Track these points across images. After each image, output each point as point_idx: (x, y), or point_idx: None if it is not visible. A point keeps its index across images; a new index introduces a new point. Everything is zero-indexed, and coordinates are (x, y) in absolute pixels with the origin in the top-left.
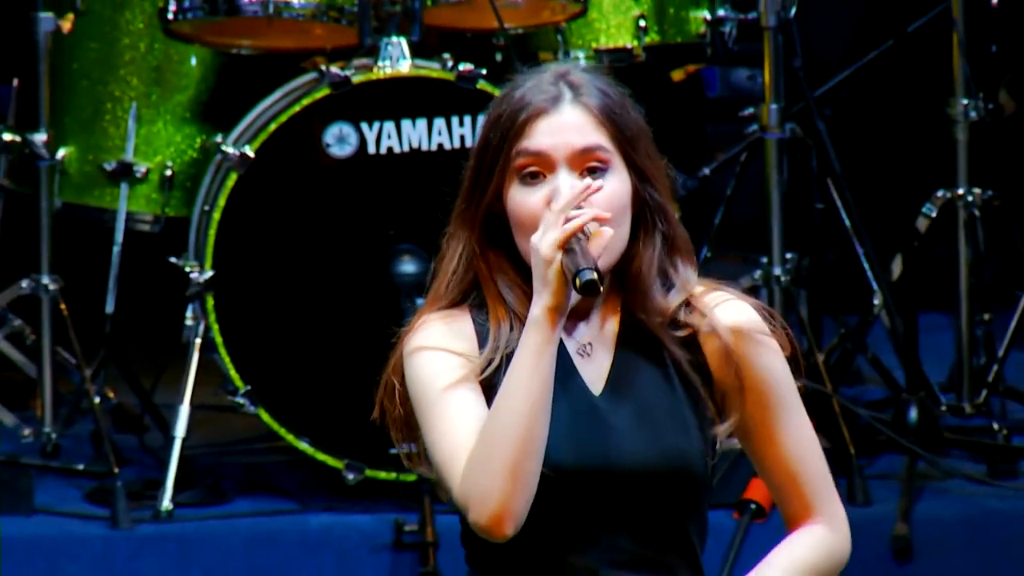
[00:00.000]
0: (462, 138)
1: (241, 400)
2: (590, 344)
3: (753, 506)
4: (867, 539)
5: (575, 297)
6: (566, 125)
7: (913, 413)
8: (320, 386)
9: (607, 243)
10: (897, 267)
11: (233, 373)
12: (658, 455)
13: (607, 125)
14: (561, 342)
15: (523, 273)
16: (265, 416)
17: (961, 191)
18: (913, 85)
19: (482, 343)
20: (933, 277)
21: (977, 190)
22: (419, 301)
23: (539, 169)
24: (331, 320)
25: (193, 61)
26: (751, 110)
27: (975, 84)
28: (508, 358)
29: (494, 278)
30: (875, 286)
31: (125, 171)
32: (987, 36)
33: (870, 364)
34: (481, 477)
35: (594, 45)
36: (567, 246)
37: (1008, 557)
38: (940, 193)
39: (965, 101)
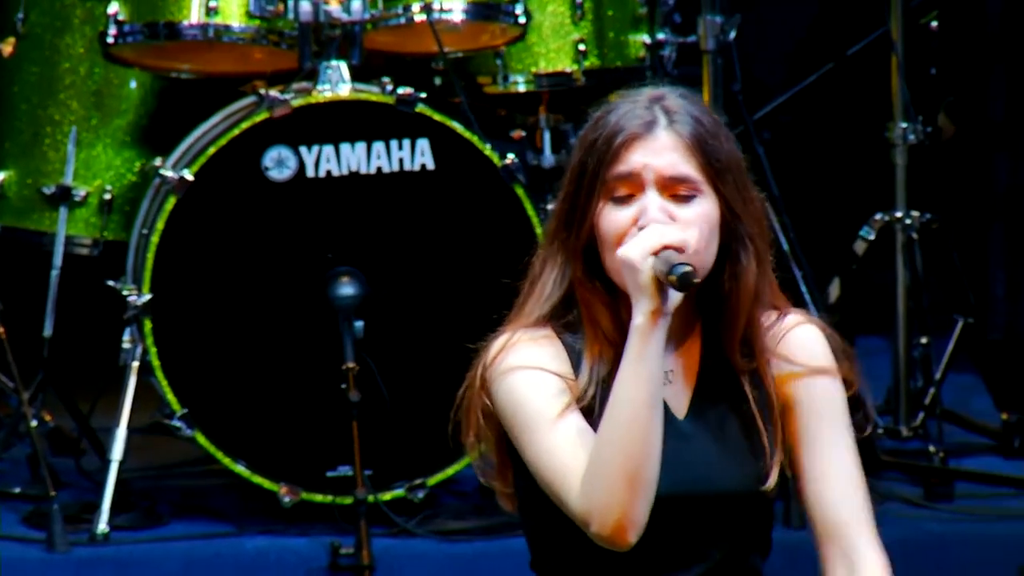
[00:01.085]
0: (401, 161)
1: (178, 423)
2: (671, 371)
3: None
4: (803, 563)
5: (672, 302)
6: (658, 150)
7: None
8: (257, 409)
9: (694, 247)
10: (835, 290)
11: (170, 396)
12: (741, 480)
13: (698, 154)
14: None
15: (614, 299)
16: (202, 439)
17: (899, 214)
18: (852, 108)
19: (575, 365)
20: (871, 300)
21: (916, 213)
22: (357, 324)
23: (630, 190)
24: (269, 343)
25: (133, 85)
26: None
27: (914, 107)
28: (602, 384)
29: (592, 303)
30: (813, 309)
31: (64, 195)
32: (926, 59)
33: None
34: (600, 489)
35: (533, 69)
36: (657, 252)
37: None
38: (878, 216)
39: (904, 124)
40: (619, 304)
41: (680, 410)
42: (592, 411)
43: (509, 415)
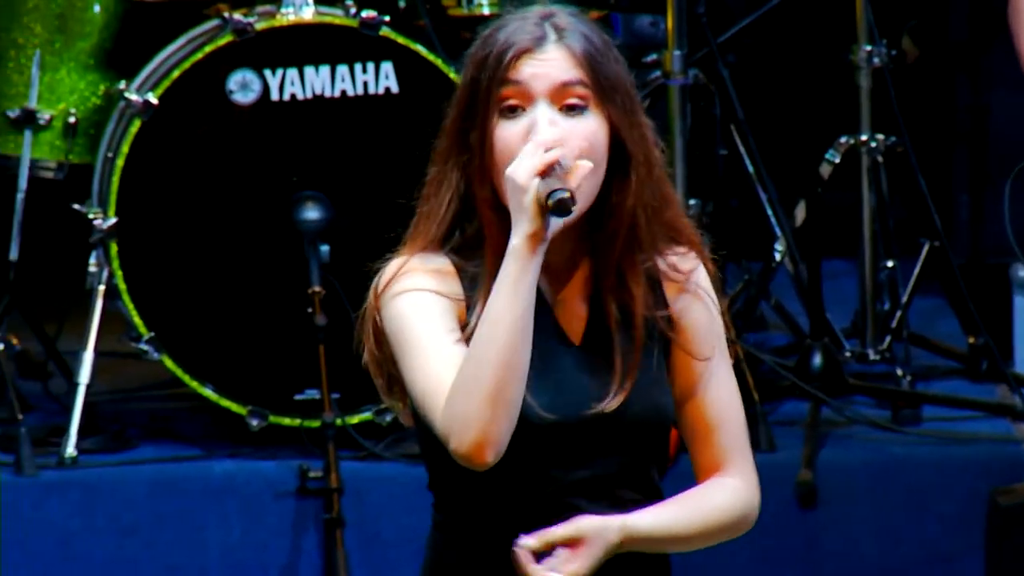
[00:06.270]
0: (365, 85)
1: (145, 347)
2: (565, 297)
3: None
4: (771, 486)
5: (553, 228)
6: (548, 61)
7: (817, 359)
8: (224, 332)
9: (585, 174)
10: (800, 213)
11: (137, 320)
12: (637, 406)
13: (586, 69)
14: (541, 294)
15: (508, 219)
16: (169, 363)
17: (864, 137)
18: (816, 31)
19: (467, 290)
20: (837, 223)
21: (880, 136)
22: (323, 248)
23: (519, 103)
24: (235, 267)
25: (96, 8)
26: (654, 57)
27: (878, 30)
28: None
29: (493, 224)
30: (778, 232)
31: (28, 118)
32: None
33: (774, 310)
34: (462, 404)
35: None
36: (544, 174)
37: (912, 503)
38: (843, 139)
39: (868, 47)
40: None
41: (575, 335)
42: None
43: (394, 337)
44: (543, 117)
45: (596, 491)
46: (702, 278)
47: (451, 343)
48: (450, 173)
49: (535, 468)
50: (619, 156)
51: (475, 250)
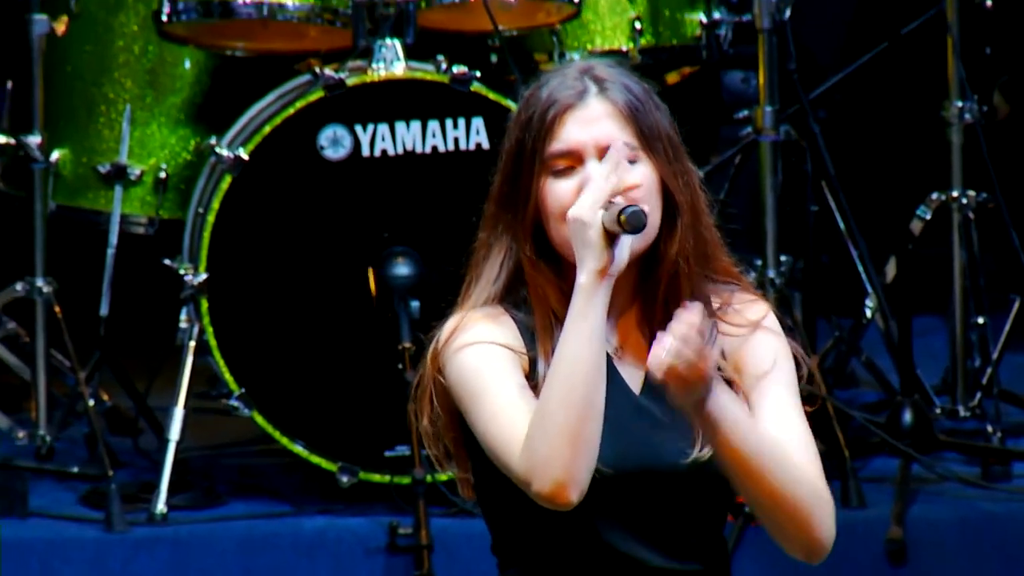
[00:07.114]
0: (456, 140)
1: (235, 403)
2: (621, 347)
3: (748, 509)
4: (862, 542)
5: (620, 261)
6: (593, 118)
7: (907, 416)
8: (314, 389)
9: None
10: (891, 269)
11: (227, 376)
12: (703, 458)
13: (631, 121)
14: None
15: (561, 276)
16: (259, 419)
17: (955, 193)
18: (907, 87)
19: (527, 341)
20: (927, 279)
21: (971, 192)
22: (413, 303)
23: (570, 163)
24: (325, 323)
25: (187, 63)
26: (745, 113)
27: (969, 86)
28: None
29: (540, 282)
30: (869, 288)
31: (119, 173)
32: (982, 38)
33: (864, 367)
34: (542, 446)
35: (589, 47)
36: (605, 206)
37: (1002, 560)
38: (934, 195)
39: (960, 103)
40: (566, 281)
41: (635, 384)
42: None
43: (460, 389)
44: (596, 174)
45: (661, 543)
46: (771, 322)
47: (520, 391)
48: (502, 236)
49: (598, 521)
50: (667, 204)
51: (531, 306)
